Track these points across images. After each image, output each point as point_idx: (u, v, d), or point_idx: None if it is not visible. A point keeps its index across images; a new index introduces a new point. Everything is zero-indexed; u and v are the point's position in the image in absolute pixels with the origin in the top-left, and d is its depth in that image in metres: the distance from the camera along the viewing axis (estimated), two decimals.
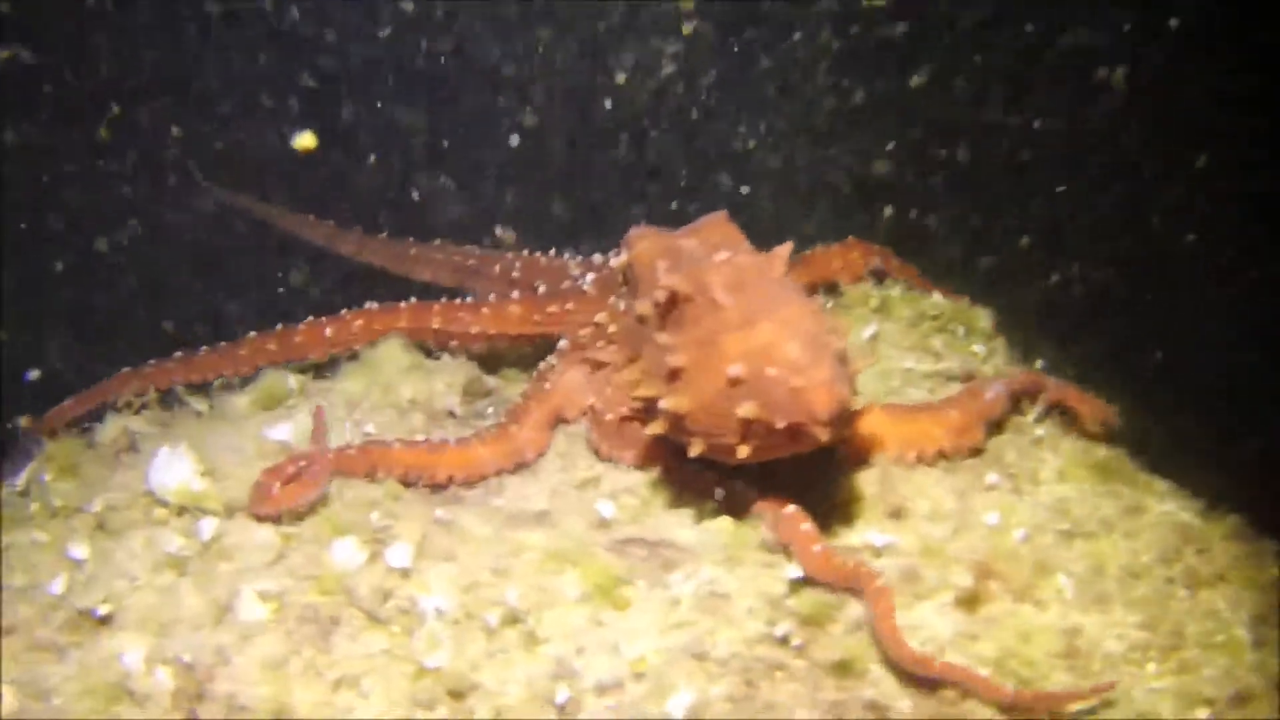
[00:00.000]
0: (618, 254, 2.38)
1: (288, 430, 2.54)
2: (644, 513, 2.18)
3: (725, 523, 2.07)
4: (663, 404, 1.97)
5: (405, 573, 2.04)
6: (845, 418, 1.90)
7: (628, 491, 2.24)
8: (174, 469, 2.21)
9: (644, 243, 2.21)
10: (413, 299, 2.80)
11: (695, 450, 1.99)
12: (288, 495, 2.18)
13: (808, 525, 1.96)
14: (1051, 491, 2.19)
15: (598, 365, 2.45)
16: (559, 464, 2.43)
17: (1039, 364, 2.69)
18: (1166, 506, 2.16)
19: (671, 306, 2.01)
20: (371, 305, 2.80)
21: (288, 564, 2.07)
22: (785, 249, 2.07)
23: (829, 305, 2.87)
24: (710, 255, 2.05)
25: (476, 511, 2.30)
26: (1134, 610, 1.94)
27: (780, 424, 1.86)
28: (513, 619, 1.95)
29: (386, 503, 2.23)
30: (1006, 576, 1.92)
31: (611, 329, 2.44)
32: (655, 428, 2.06)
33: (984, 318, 2.70)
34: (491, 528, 2.20)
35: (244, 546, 2.11)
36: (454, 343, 2.77)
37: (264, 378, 2.85)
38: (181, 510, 2.19)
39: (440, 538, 2.15)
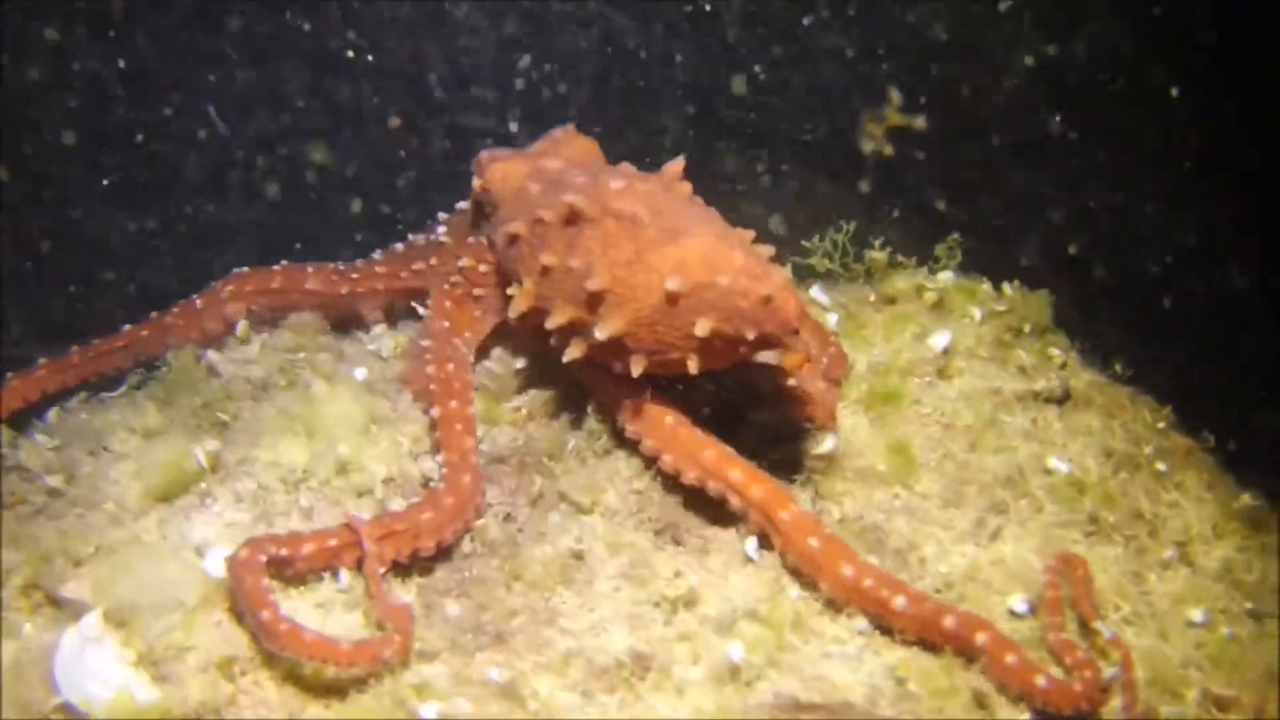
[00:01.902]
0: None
1: (218, 550, 1.81)
2: (778, 646, 1.68)
3: None
4: (597, 332, 1.89)
5: None
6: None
7: (749, 615, 1.72)
8: (97, 666, 1.44)
9: (499, 165, 2.13)
10: (284, 262, 2.48)
11: (638, 369, 1.90)
12: (361, 654, 1.60)
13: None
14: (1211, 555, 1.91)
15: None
16: (619, 561, 1.86)
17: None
18: None
19: (569, 225, 1.94)
20: (241, 270, 2.45)
21: None
22: (677, 165, 2.03)
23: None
24: (578, 171, 2.04)
25: (541, 660, 1.70)
26: None
27: (750, 334, 1.81)
28: None
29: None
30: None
31: (482, 269, 2.23)
32: (574, 351, 1.95)
33: (1044, 307, 2.35)
34: (577, 693, 1.62)
35: None
36: (324, 306, 2.44)
37: (156, 449, 2.08)
38: None
39: None
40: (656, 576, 1.82)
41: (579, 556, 1.88)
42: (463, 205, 2.34)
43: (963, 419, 2.09)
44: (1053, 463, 2.00)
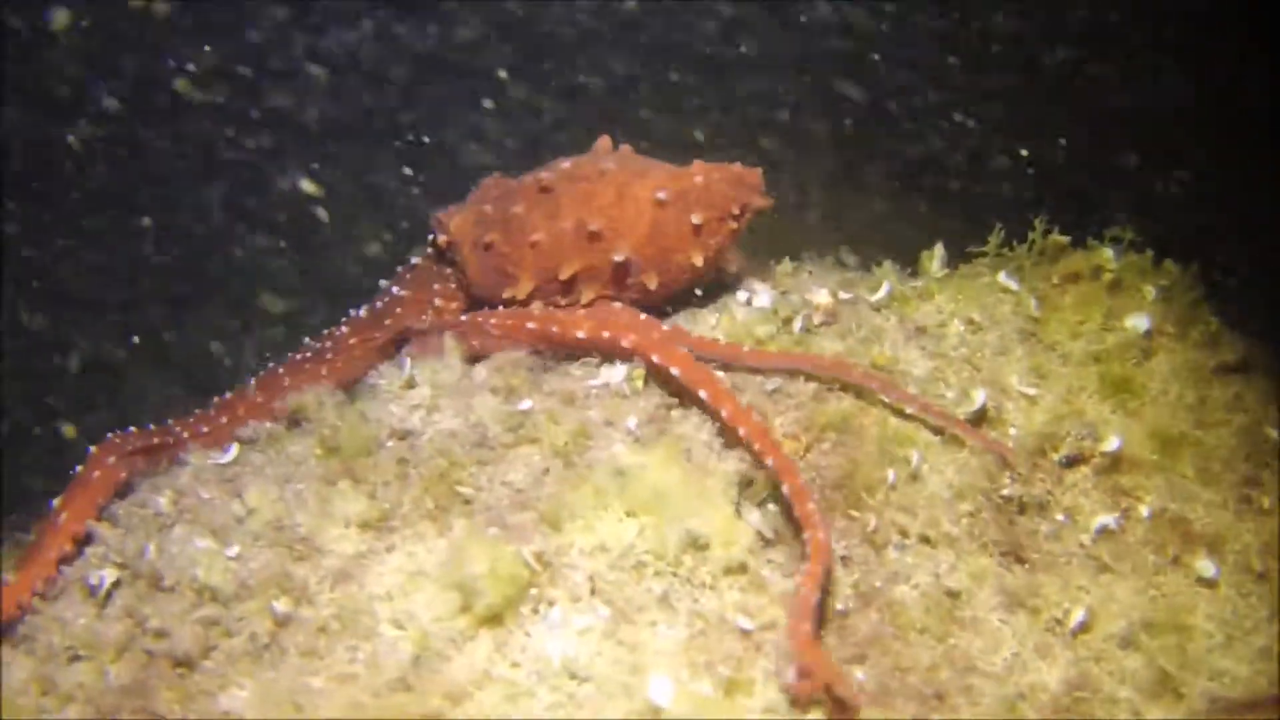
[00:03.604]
0: (423, 250, 2.45)
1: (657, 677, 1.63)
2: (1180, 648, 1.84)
3: None
4: (617, 256, 2.12)
5: None
6: None
7: (1146, 627, 1.85)
8: None
9: (455, 217, 2.31)
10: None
11: (652, 283, 2.16)
12: None
13: None
14: None
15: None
16: (992, 592, 1.90)
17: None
18: None
19: (543, 202, 2.17)
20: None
21: None
22: (604, 140, 2.30)
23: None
24: (517, 183, 2.27)
25: (981, 711, 1.74)
26: None
27: (736, 208, 2.18)
28: None
29: None
30: None
31: (453, 305, 2.39)
32: (589, 292, 2.17)
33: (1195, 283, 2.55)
34: None
35: None
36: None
37: (471, 554, 1.76)
38: None
39: None
40: (1043, 601, 1.90)
41: (953, 594, 1.90)
42: (415, 260, 2.47)
43: (1185, 399, 2.28)
44: (1271, 432, 2.28)
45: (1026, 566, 1.96)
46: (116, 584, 2.01)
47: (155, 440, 2.36)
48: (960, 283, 2.39)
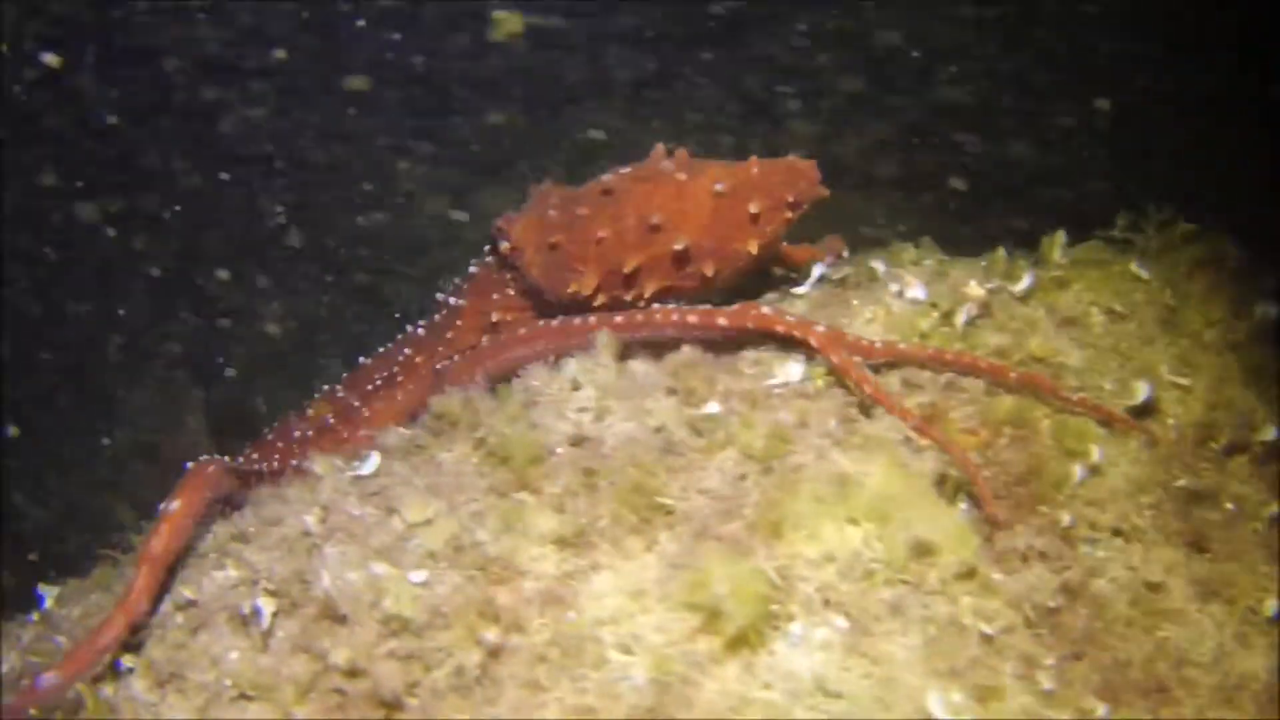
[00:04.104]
0: (481, 260, 2.46)
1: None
2: None
3: None
4: (677, 245, 2.18)
5: None
6: None
7: None
8: None
9: (518, 223, 2.36)
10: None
11: (710, 270, 2.22)
12: None
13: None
14: None
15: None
16: (1193, 588, 1.93)
17: None
18: None
19: (606, 205, 2.23)
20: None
21: None
22: (658, 149, 2.33)
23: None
24: (578, 190, 2.32)
25: None
26: None
27: (791, 196, 2.23)
28: None
29: None
30: None
31: (509, 318, 2.42)
32: (651, 285, 2.22)
33: None
34: None
35: None
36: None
37: (714, 574, 1.67)
38: None
39: None
40: (1236, 590, 1.94)
41: (1152, 587, 1.92)
42: (472, 269, 2.48)
43: None
44: None
45: (1209, 556, 2.00)
46: (275, 614, 1.84)
47: (246, 469, 2.30)
48: (1090, 271, 2.40)
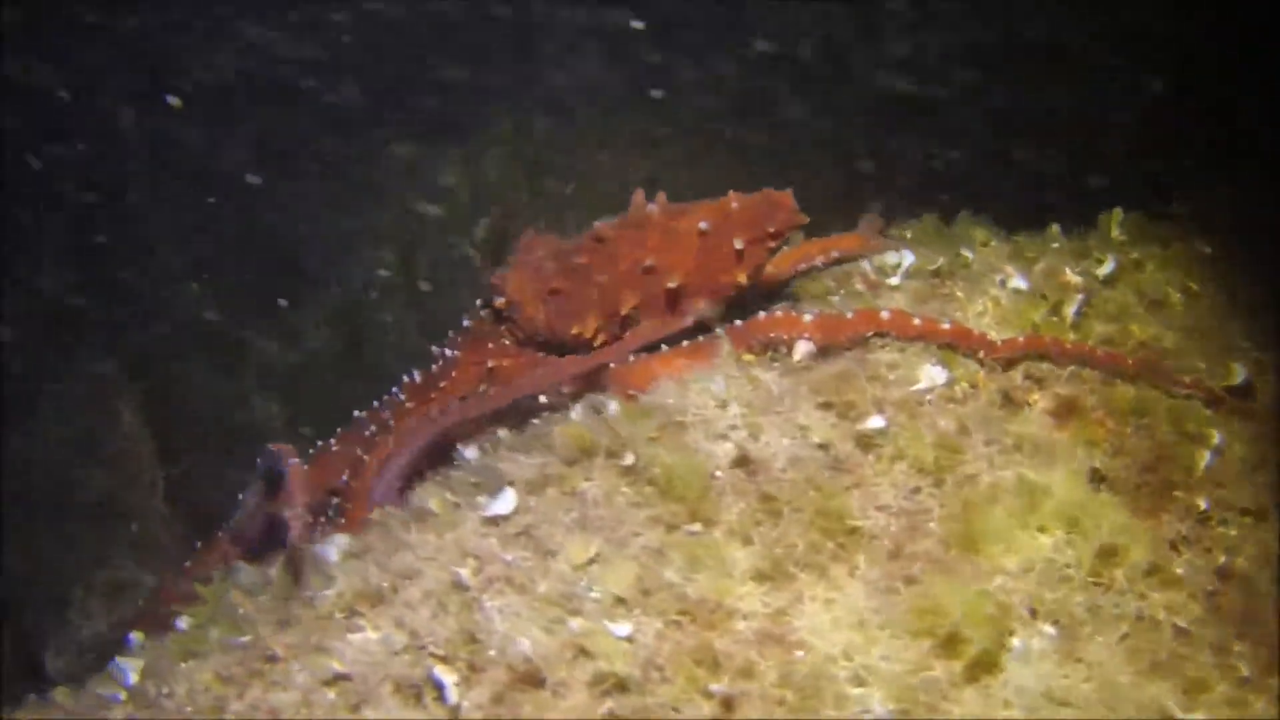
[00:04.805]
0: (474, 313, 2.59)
1: None
2: None
3: None
4: (670, 284, 2.31)
5: None
6: None
7: None
8: None
9: (511, 276, 2.48)
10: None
11: (703, 304, 2.33)
12: None
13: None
14: None
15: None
16: None
17: None
18: None
19: (600, 251, 2.38)
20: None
21: None
22: (638, 195, 2.42)
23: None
24: (567, 240, 2.45)
25: None
26: None
27: (772, 227, 2.32)
28: None
29: None
30: None
31: (505, 363, 2.56)
32: (650, 327, 2.34)
33: None
34: None
35: None
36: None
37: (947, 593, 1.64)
38: None
39: None
40: None
41: None
42: (466, 323, 2.61)
43: None
44: None
45: None
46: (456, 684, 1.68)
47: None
48: (1154, 249, 2.49)
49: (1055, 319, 2.22)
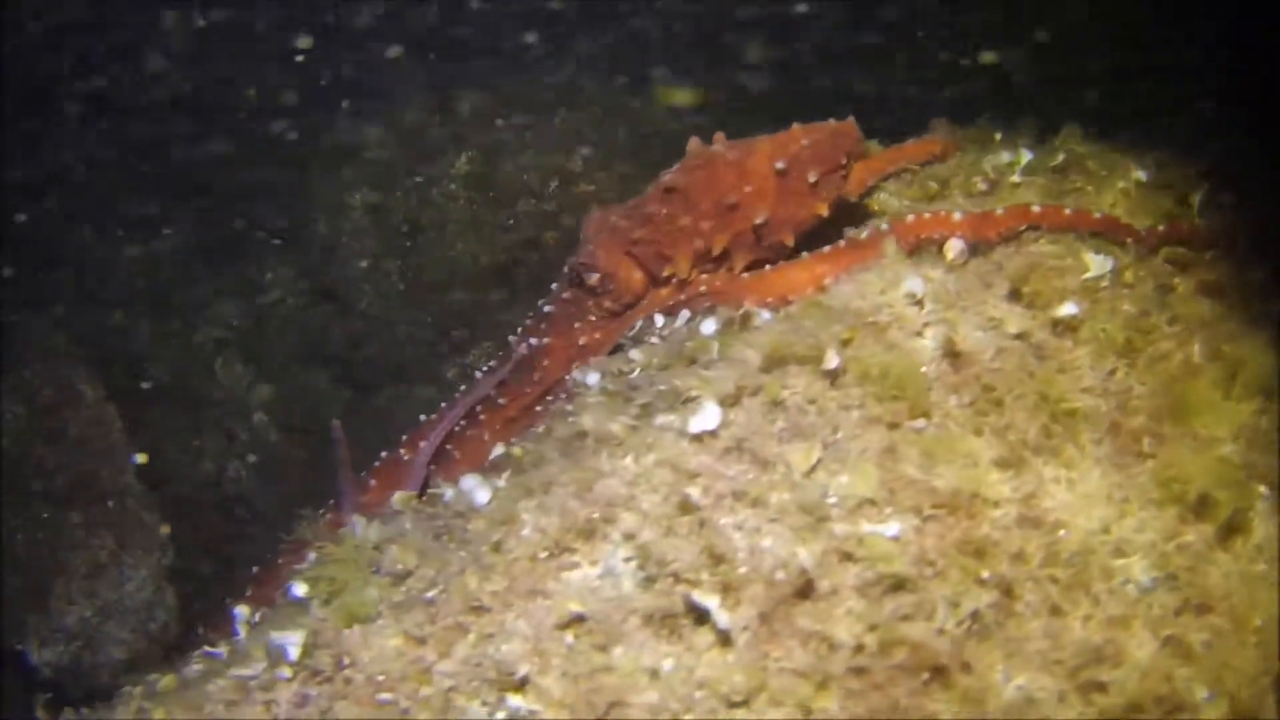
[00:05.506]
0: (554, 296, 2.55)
1: None
2: None
3: None
4: (758, 219, 2.30)
5: None
6: None
7: None
8: None
9: (599, 248, 2.43)
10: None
11: (790, 239, 2.34)
12: None
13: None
14: None
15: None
16: None
17: None
18: None
19: (673, 200, 2.33)
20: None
21: None
22: (694, 141, 2.40)
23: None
24: (635, 199, 2.42)
25: None
26: None
27: (843, 159, 2.33)
28: None
29: None
30: None
31: (597, 336, 2.52)
32: (743, 257, 2.35)
33: None
34: None
35: None
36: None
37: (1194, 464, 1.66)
38: None
39: None
40: None
41: None
42: (547, 309, 2.55)
43: None
44: None
45: None
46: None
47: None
48: None
49: (1184, 208, 2.27)
